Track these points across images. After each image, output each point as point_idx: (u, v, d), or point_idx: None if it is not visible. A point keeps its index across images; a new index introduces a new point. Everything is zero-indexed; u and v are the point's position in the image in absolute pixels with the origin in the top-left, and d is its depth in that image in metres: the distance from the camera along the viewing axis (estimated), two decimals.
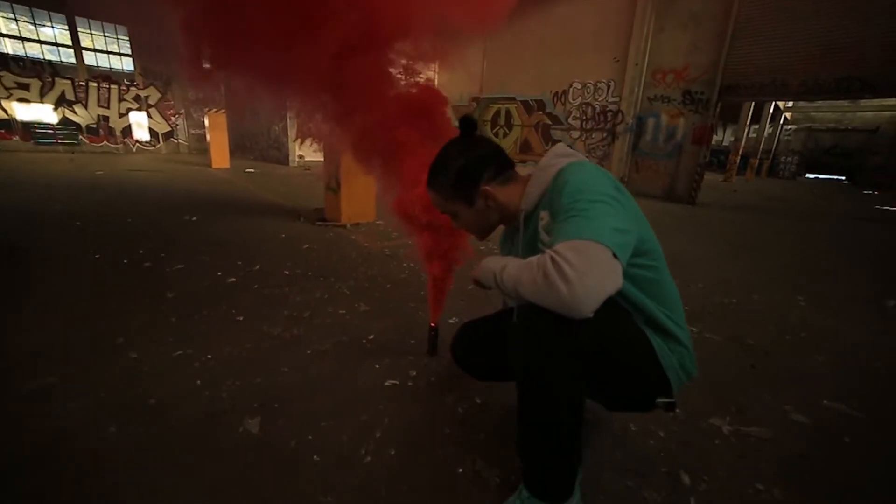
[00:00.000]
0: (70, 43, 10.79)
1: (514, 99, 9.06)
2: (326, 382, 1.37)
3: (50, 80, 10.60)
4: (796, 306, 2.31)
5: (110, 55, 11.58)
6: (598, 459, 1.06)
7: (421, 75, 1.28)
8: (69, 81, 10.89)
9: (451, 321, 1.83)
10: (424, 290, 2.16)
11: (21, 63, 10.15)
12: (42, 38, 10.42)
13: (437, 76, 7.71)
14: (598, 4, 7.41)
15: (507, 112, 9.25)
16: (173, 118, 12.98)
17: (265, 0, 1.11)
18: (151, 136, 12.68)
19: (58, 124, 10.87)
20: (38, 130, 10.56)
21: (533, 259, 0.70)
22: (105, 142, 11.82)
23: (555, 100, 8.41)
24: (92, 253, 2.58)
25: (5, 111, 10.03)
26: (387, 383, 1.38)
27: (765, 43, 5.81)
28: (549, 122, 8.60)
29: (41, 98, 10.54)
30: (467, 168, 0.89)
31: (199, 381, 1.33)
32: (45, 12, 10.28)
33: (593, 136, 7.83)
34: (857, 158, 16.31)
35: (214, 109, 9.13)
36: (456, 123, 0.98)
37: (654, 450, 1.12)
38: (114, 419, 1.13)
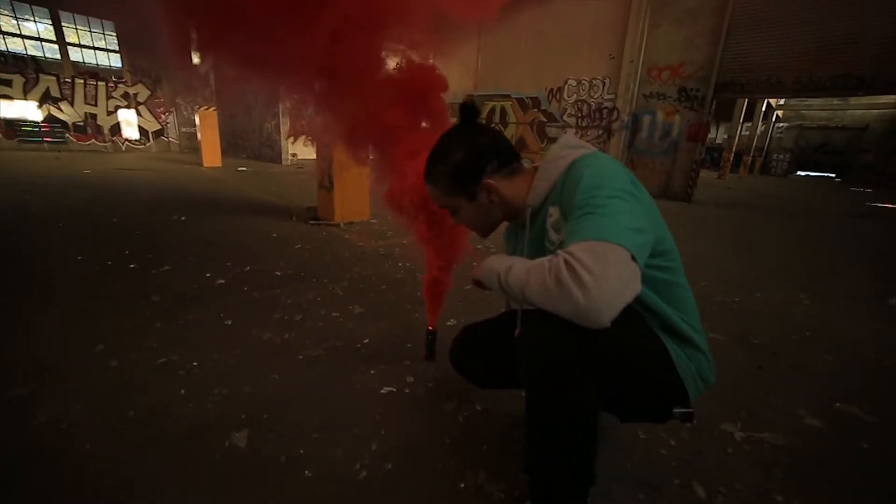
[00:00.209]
0: (54, 38, 10.53)
1: (508, 96, 8.99)
2: (318, 390, 1.30)
3: (34, 76, 10.34)
4: (799, 305, 2.27)
5: (97, 51, 11.33)
6: (605, 470, 1.00)
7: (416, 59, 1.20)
8: (54, 78, 10.64)
9: (448, 323, 1.77)
10: (421, 290, 2.09)
11: (2, 58, 9.88)
12: (25, 33, 10.15)
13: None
14: (592, 1, 7.36)
15: (502, 109, 9.18)
16: (163, 116, 12.76)
17: None
18: (141, 134, 12.46)
19: (43, 122, 10.62)
20: (22, 128, 10.30)
21: (543, 261, 0.64)
22: (93, 140, 11.59)
23: (550, 97, 8.36)
24: (73, 254, 2.48)
25: None
26: (383, 391, 1.31)
27: (760, 40, 5.80)
28: (545, 120, 8.55)
29: (24, 95, 10.28)
30: (469, 159, 0.81)
31: (183, 391, 1.25)
32: (27, 6, 10.00)
33: (589, 133, 7.79)
34: (848, 156, 16.48)
35: (205, 107, 8.96)
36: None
37: (666, 459, 1.07)
38: (88, 435, 1.05)
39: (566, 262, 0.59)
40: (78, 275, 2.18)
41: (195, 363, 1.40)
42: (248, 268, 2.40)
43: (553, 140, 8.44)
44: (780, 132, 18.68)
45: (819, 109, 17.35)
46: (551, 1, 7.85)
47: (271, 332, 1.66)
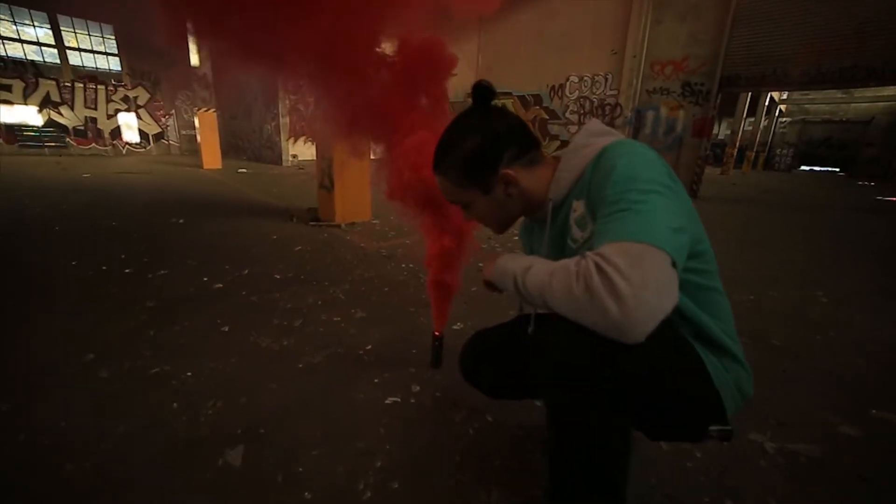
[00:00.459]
0: (53, 42, 10.51)
1: (510, 94, 8.91)
2: (319, 401, 1.22)
3: (33, 80, 10.32)
4: (817, 302, 2.19)
5: (96, 55, 11.31)
6: (629, 486, 0.93)
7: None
8: (54, 82, 10.62)
9: (455, 327, 1.69)
10: (425, 293, 2.02)
11: (1, 63, 9.87)
12: (24, 38, 10.13)
13: None
14: None
15: (504, 107, 9.09)
16: (163, 119, 12.73)
17: None
18: (141, 137, 12.43)
19: (43, 126, 10.60)
20: (24, 133, 10.29)
21: (570, 263, 0.56)
22: (93, 144, 11.57)
23: (552, 94, 8.27)
24: (68, 259, 2.41)
25: None
26: (387, 401, 1.23)
27: (766, 32, 5.69)
28: (547, 117, 8.47)
29: (24, 99, 10.27)
30: (484, 147, 0.71)
31: (175, 404, 1.18)
32: (26, 10, 9.98)
33: None
34: (852, 150, 16.30)
35: (204, 108, 8.91)
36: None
37: (693, 474, 0.99)
38: (71, 454, 0.97)
39: (598, 266, 0.51)
40: (71, 280, 2.12)
41: (189, 373, 1.33)
42: (246, 271, 2.33)
43: (555, 138, 8.35)
44: (784, 127, 18.50)
45: (822, 103, 17.16)
46: None
47: (270, 338, 1.59)
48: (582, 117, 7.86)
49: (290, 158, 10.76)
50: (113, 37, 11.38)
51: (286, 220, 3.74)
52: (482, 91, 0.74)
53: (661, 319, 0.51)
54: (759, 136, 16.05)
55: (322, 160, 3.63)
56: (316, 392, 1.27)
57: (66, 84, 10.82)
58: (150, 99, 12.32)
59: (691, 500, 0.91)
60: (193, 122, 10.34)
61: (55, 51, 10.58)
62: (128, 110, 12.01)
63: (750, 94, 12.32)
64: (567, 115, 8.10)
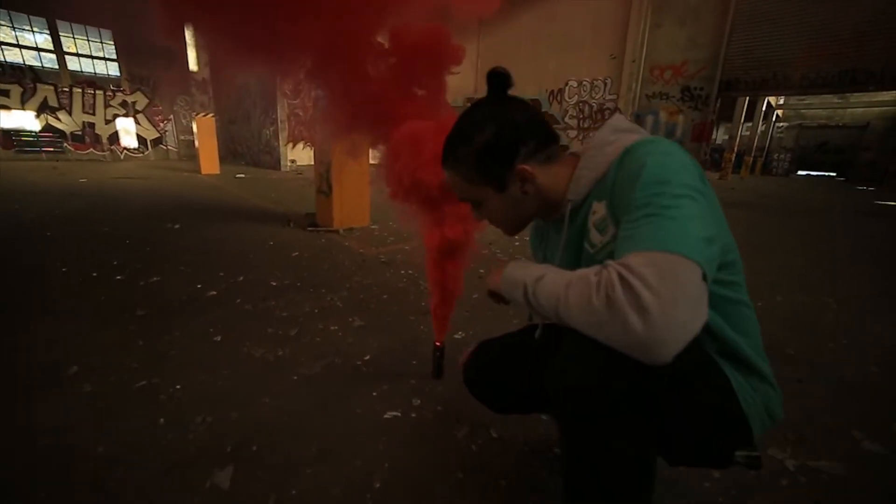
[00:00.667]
0: (52, 47, 10.50)
1: None
2: (314, 416, 1.16)
3: (31, 85, 10.29)
4: (826, 309, 2.14)
5: (94, 60, 11.29)
6: None
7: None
8: (52, 87, 10.59)
9: (456, 336, 1.63)
10: (425, 300, 1.96)
11: (0, 68, 9.84)
12: (22, 43, 10.11)
13: None
14: (592, 1, 7.29)
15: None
16: (161, 124, 12.71)
17: None
18: (139, 142, 12.39)
19: (41, 131, 10.56)
20: (21, 138, 10.24)
21: (589, 273, 0.51)
22: (91, 149, 11.52)
23: (551, 98, 8.28)
24: (59, 265, 2.35)
25: None
26: (386, 415, 1.17)
27: (765, 36, 5.71)
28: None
29: (22, 104, 10.23)
30: (500, 139, 0.65)
31: (162, 420, 1.11)
32: (25, 16, 9.98)
33: (591, 134, 7.69)
34: (848, 154, 16.35)
35: (203, 113, 8.89)
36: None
37: (711, 495, 0.93)
38: (44, 479, 0.91)
39: (621, 277, 0.46)
40: (59, 287, 2.06)
41: (178, 386, 1.27)
42: (241, 278, 2.27)
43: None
44: (781, 132, 18.58)
45: (819, 108, 17.26)
46: (550, 1, 7.79)
47: (264, 348, 1.52)
48: (581, 122, 7.86)
49: (289, 163, 10.73)
50: (112, 42, 11.38)
51: (283, 226, 3.68)
52: (498, 78, 0.68)
53: (689, 340, 0.46)
54: (756, 140, 16.11)
55: (320, 164, 3.59)
56: (311, 406, 1.20)
57: (65, 89, 10.79)
58: (148, 104, 12.30)
59: None
60: (192, 127, 10.33)
61: (53, 56, 10.57)
62: (126, 115, 11.98)
63: (748, 99, 12.36)
64: (566, 119, 8.09)
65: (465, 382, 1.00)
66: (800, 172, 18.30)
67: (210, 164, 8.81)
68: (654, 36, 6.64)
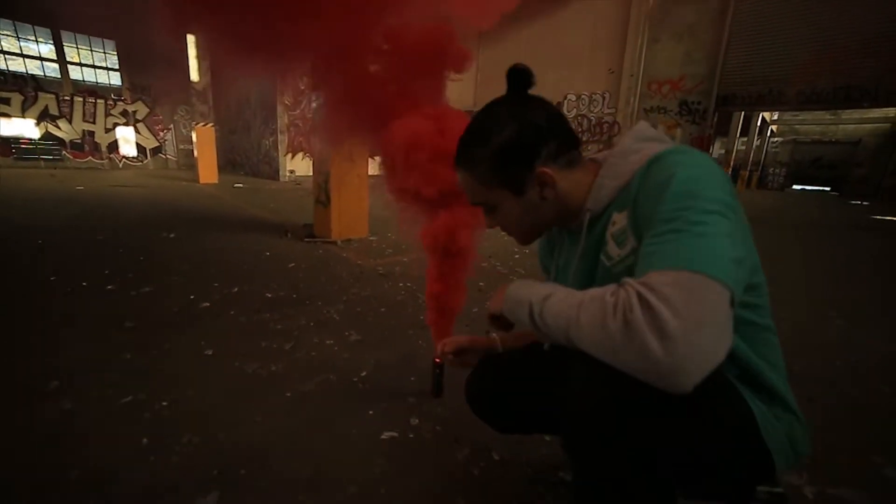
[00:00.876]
0: (55, 57, 10.58)
1: None
2: (307, 436, 1.10)
3: (33, 94, 10.34)
4: (831, 324, 2.10)
5: (97, 69, 11.38)
6: None
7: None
8: (53, 96, 10.65)
9: None
10: (424, 313, 1.91)
11: (2, 77, 9.89)
12: (26, 53, 10.19)
13: None
14: (591, 16, 7.43)
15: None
16: (161, 133, 12.75)
17: None
18: (139, 151, 12.42)
19: (40, 139, 10.57)
20: (21, 145, 10.25)
21: (604, 293, 0.47)
22: (90, 157, 11.53)
23: None
24: (47, 274, 2.29)
25: None
26: (383, 436, 1.12)
27: (760, 53, 5.80)
28: None
29: (23, 112, 10.26)
30: (521, 139, 0.60)
31: (145, 440, 1.05)
32: (30, 26, 10.08)
33: (589, 148, 7.75)
34: (842, 170, 16.58)
35: (203, 123, 8.92)
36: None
37: None
38: None
39: (641, 297, 0.42)
40: (46, 297, 2.00)
41: (164, 402, 1.21)
42: (236, 289, 2.22)
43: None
44: (776, 146, 18.84)
45: (812, 124, 17.54)
46: (549, 16, 7.93)
47: (257, 363, 1.47)
48: (580, 135, 7.92)
49: (288, 174, 10.74)
50: (115, 52, 11.48)
51: (281, 236, 3.64)
52: (519, 75, 0.63)
53: (713, 369, 0.43)
54: (752, 155, 16.31)
55: (319, 175, 3.57)
56: (304, 426, 1.15)
57: (66, 98, 10.84)
58: (149, 113, 12.37)
59: None
60: (191, 136, 10.37)
61: (56, 65, 10.64)
62: (126, 124, 12.03)
63: (743, 114, 12.54)
64: None
65: (467, 399, 0.94)
66: (795, 187, 18.50)
67: (208, 173, 8.81)
68: (652, 51, 6.75)
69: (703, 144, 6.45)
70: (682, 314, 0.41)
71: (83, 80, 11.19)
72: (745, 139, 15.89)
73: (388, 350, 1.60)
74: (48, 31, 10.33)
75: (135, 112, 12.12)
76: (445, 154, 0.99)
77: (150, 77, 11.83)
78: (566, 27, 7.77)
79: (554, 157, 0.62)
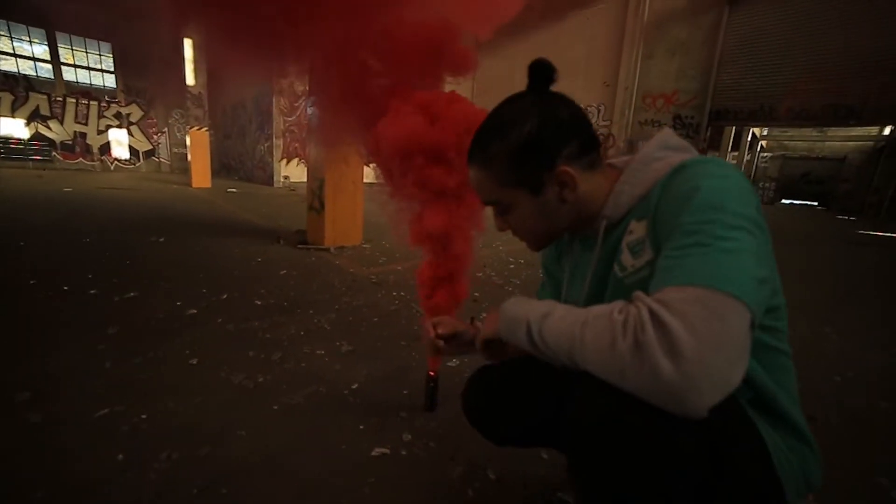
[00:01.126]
0: (48, 58, 10.48)
1: None
2: (294, 452, 1.05)
3: (24, 94, 10.20)
4: (826, 339, 2.09)
5: (91, 71, 11.28)
6: None
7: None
8: (45, 96, 10.50)
9: (451, 364, 1.54)
10: (418, 324, 1.87)
11: None
12: (19, 53, 10.08)
13: None
14: (586, 30, 7.56)
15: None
16: (155, 136, 12.63)
17: None
18: (132, 153, 12.26)
19: (30, 140, 10.40)
20: (9, 145, 10.07)
21: (611, 310, 0.44)
22: (80, 159, 11.34)
23: None
24: (27, 277, 2.21)
25: None
26: (374, 452, 1.07)
27: (752, 70, 5.92)
28: None
29: (12, 112, 10.10)
30: (543, 135, 0.56)
31: (121, 456, 0.99)
32: (24, 27, 9.99)
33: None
34: (829, 185, 17.01)
35: (197, 127, 8.84)
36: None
37: None
38: None
39: (653, 315, 0.39)
40: (22, 302, 1.92)
41: (144, 415, 1.15)
42: (224, 296, 2.15)
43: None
44: (766, 161, 19.24)
45: (800, 140, 17.96)
46: (546, 29, 8.05)
47: (243, 373, 1.41)
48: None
49: (282, 180, 10.67)
50: (111, 55, 11.40)
51: (273, 242, 3.58)
52: (541, 69, 0.59)
53: (727, 394, 0.40)
54: (742, 169, 16.60)
55: (313, 181, 3.53)
56: (292, 441, 1.09)
57: (58, 99, 10.71)
58: (143, 116, 12.24)
59: None
60: (185, 140, 10.26)
61: (49, 66, 10.53)
62: (119, 126, 11.89)
63: (734, 129, 12.79)
64: None
65: (464, 410, 0.89)
66: (784, 201, 18.86)
67: (201, 177, 8.71)
68: (647, 65, 6.86)
69: None
70: (699, 333, 0.38)
71: (77, 82, 11.06)
72: (737, 154, 16.20)
73: (381, 362, 1.55)
74: (42, 31, 10.24)
75: (129, 114, 11.99)
76: (440, 148, 0.96)
77: (145, 80, 11.74)
78: (562, 40, 7.89)
79: (576, 156, 0.58)
